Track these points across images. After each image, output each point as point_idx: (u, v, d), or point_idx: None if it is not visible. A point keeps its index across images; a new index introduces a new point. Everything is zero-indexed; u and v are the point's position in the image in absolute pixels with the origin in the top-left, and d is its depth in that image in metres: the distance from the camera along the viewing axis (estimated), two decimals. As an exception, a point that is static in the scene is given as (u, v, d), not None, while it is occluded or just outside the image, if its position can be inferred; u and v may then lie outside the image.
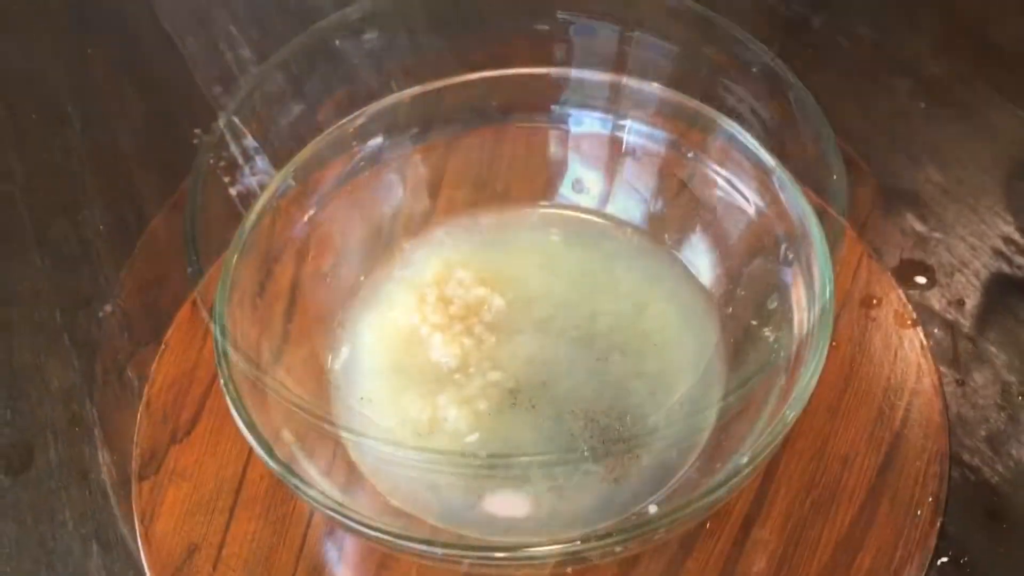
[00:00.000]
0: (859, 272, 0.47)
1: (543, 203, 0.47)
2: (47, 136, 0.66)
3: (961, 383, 0.51)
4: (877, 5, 0.70)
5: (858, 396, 0.43)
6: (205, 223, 0.57)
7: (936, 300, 0.53)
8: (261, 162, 0.63)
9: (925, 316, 0.51)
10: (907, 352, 0.44)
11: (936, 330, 0.52)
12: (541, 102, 0.43)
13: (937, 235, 0.56)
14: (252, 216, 0.40)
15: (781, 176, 0.39)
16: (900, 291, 0.46)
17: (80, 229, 0.60)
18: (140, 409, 0.45)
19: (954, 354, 0.52)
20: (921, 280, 0.55)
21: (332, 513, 0.32)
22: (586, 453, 0.39)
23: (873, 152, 0.60)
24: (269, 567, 0.40)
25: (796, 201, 0.38)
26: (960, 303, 0.53)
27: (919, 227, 0.56)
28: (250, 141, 0.64)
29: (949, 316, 0.53)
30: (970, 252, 0.55)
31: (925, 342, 0.45)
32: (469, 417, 0.40)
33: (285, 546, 0.40)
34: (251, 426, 0.34)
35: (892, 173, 0.59)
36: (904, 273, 0.54)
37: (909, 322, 0.45)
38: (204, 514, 0.41)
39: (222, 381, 0.35)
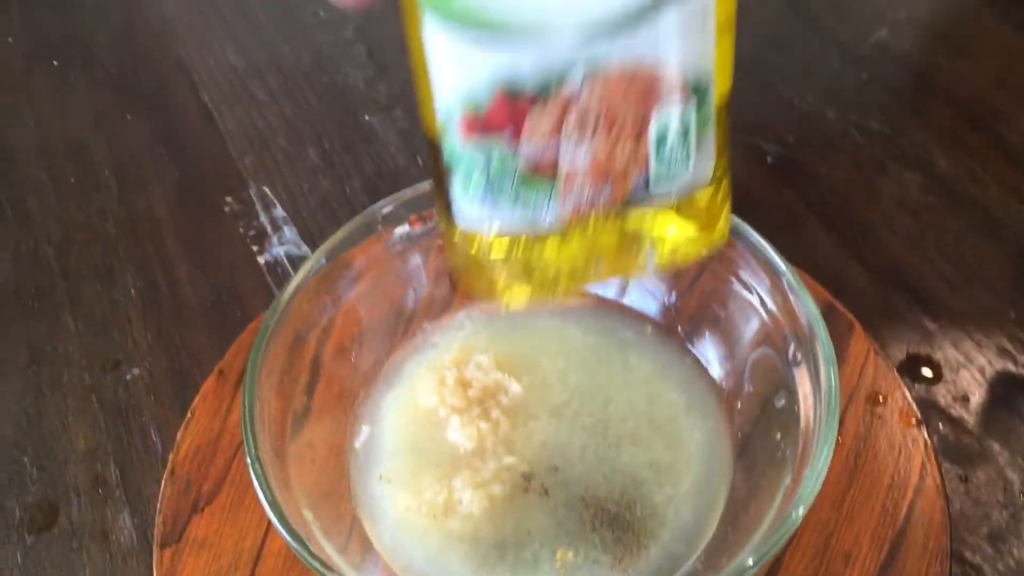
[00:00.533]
0: (866, 368, 0.48)
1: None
2: (84, 200, 0.68)
3: (964, 479, 0.52)
4: (889, 100, 0.72)
5: (863, 492, 0.44)
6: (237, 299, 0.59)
7: (941, 396, 0.55)
8: (290, 232, 0.66)
9: (930, 411, 0.52)
10: (911, 451, 0.45)
11: (941, 425, 0.53)
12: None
13: (943, 331, 0.57)
14: (286, 295, 0.41)
15: (791, 279, 0.40)
16: (905, 389, 0.47)
17: (112, 292, 0.62)
18: (164, 477, 0.46)
19: (958, 450, 0.53)
20: (927, 373, 0.56)
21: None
22: (596, 542, 0.41)
23: (882, 246, 0.62)
24: (283, 640, 0.41)
25: (805, 304, 0.39)
26: (965, 399, 0.54)
27: (926, 322, 0.58)
28: (279, 211, 0.67)
29: (954, 412, 0.54)
30: (976, 349, 0.56)
31: (929, 441, 0.46)
32: (483, 501, 0.41)
33: (300, 620, 0.42)
34: (276, 507, 0.35)
35: (900, 267, 0.61)
36: (911, 367, 0.56)
37: (914, 421, 0.46)
38: (222, 584, 0.43)
39: (248, 460, 0.36)
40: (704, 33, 0.27)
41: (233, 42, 0.80)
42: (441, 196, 0.30)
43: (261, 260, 0.63)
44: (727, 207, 0.33)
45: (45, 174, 0.70)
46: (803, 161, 0.67)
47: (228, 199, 0.67)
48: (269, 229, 0.65)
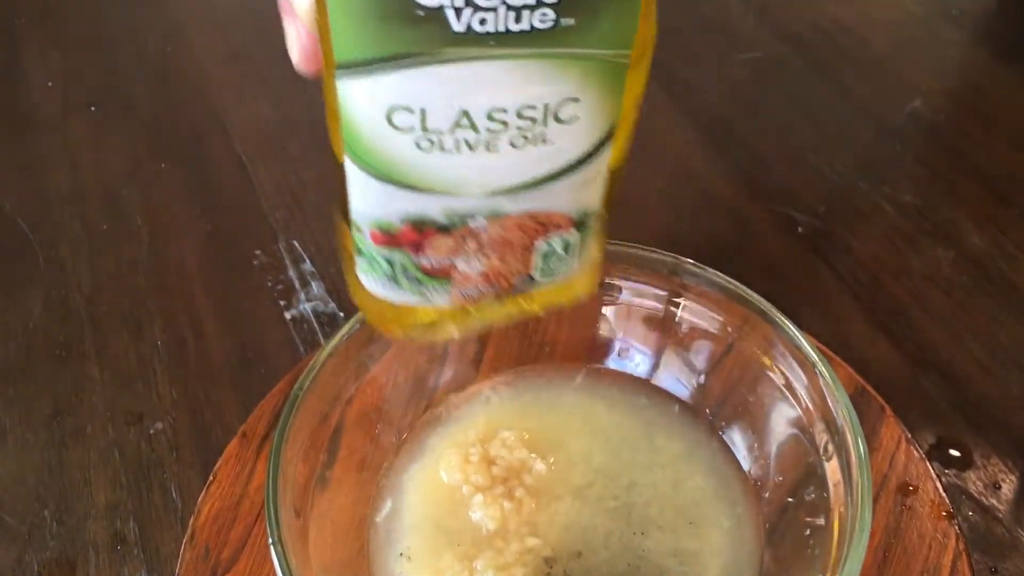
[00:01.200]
0: (896, 456, 0.47)
1: (589, 367, 0.48)
2: (115, 249, 0.69)
3: (994, 571, 0.51)
4: (922, 173, 0.72)
5: (892, 588, 0.43)
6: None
7: (972, 483, 0.54)
8: (317, 288, 0.66)
9: (960, 498, 0.51)
10: (942, 544, 0.44)
11: (970, 513, 0.52)
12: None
13: (974, 415, 0.56)
14: (319, 362, 0.41)
15: (824, 370, 0.40)
16: (936, 480, 0.47)
17: (139, 344, 0.62)
18: (184, 541, 0.46)
19: (988, 540, 0.52)
20: (957, 456, 0.55)
21: None
22: None
23: (913, 324, 0.61)
24: None
25: (838, 397, 0.39)
26: (996, 487, 0.53)
27: (957, 406, 0.57)
28: (308, 266, 0.67)
29: (984, 501, 0.53)
30: (1007, 435, 0.55)
31: (961, 535, 0.45)
32: None
33: None
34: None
35: (931, 347, 0.60)
36: (940, 452, 0.55)
37: (944, 514, 0.45)
38: (240, 658, 0.42)
39: (270, 541, 0.36)
40: (595, 184, 0.31)
41: (268, 94, 0.81)
42: (342, 219, 0.33)
43: (288, 315, 0.63)
44: (598, 270, 0.36)
45: (78, 222, 0.71)
46: (834, 232, 0.67)
47: (257, 252, 0.68)
48: (297, 284, 0.65)
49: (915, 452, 0.48)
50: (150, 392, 0.60)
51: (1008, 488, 0.53)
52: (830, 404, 0.40)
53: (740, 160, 0.73)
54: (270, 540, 0.36)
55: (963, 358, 0.59)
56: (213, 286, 0.66)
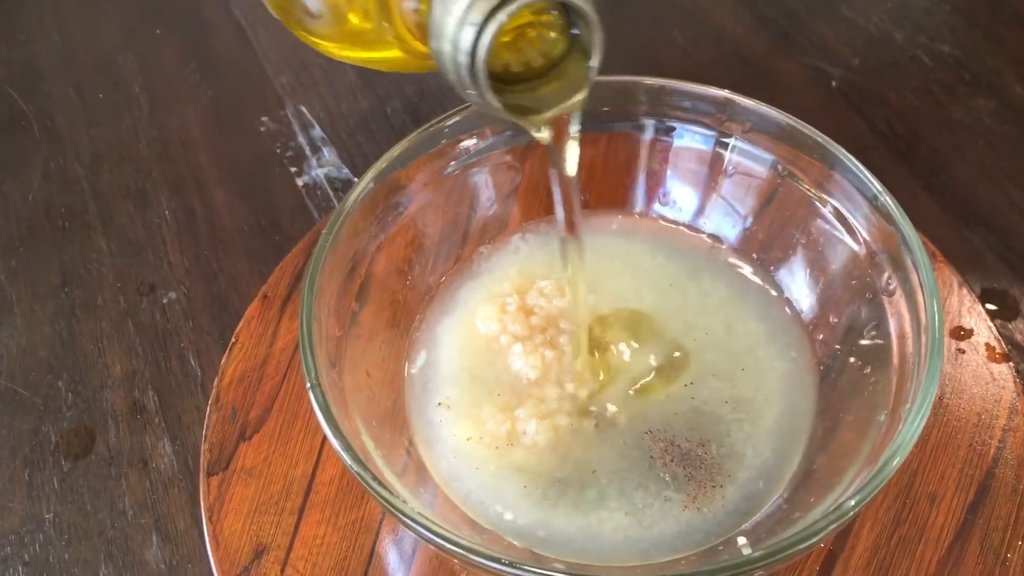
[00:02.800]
0: (949, 301, 0.45)
1: (626, 213, 0.46)
2: (114, 119, 0.65)
3: (1044, 420, 0.49)
4: (960, 23, 0.68)
5: (947, 432, 0.41)
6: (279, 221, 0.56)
7: (1019, 332, 0.52)
8: (329, 154, 0.63)
9: (1008, 348, 0.49)
10: (999, 388, 0.42)
11: (1019, 363, 0.51)
12: (639, 111, 0.42)
13: (1020, 264, 0.54)
14: (346, 209, 0.38)
15: (886, 202, 0.37)
16: (991, 324, 0.45)
17: (145, 214, 0.59)
18: (209, 404, 0.44)
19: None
20: (1004, 307, 0.53)
21: (415, 525, 0.31)
22: (668, 479, 0.38)
23: (954, 176, 0.58)
24: (338, 574, 0.39)
25: (902, 228, 0.36)
26: (1044, 336, 0.52)
27: (1002, 255, 0.55)
28: (318, 132, 0.64)
29: (1033, 349, 0.51)
30: (1056, 284, 0.53)
31: (1017, 377, 0.43)
32: (548, 432, 0.39)
33: (354, 554, 0.40)
34: (339, 434, 0.33)
35: (974, 198, 0.57)
36: (984, 301, 0.53)
37: (1000, 355, 0.44)
38: (273, 514, 0.41)
39: (308, 386, 0.34)
40: None
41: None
42: None
43: (300, 182, 0.60)
44: None
45: (73, 91, 0.67)
46: (869, 86, 0.64)
47: (264, 118, 0.64)
48: (308, 150, 0.62)
49: (967, 296, 0.46)
50: (161, 262, 0.57)
51: (1056, 338, 0.51)
52: (892, 235, 0.37)
53: (771, 14, 0.69)
54: (308, 384, 0.34)
55: (1007, 209, 0.57)
56: (219, 154, 0.63)
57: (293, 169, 0.61)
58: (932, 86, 0.64)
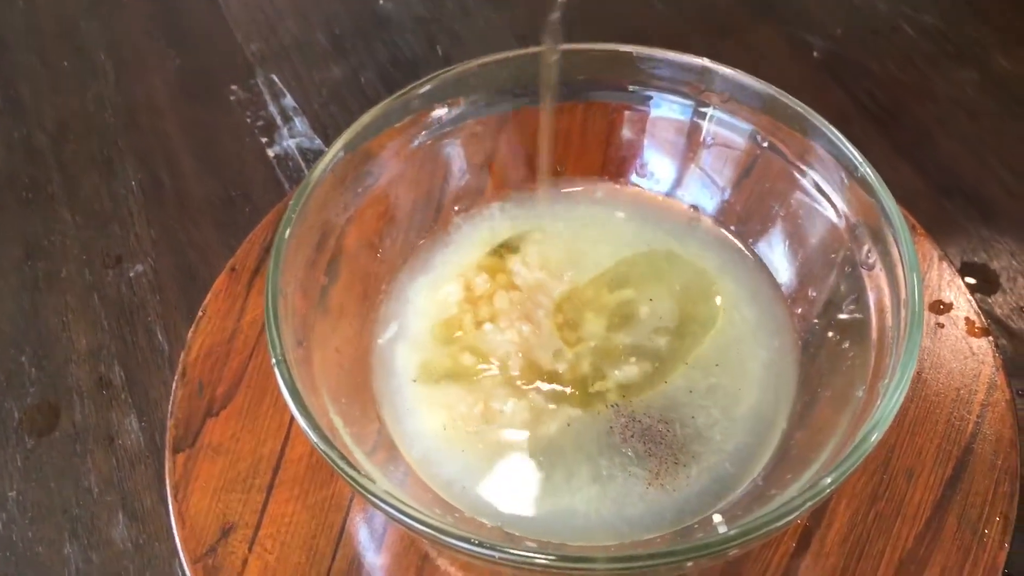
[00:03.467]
0: (929, 275, 0.45)
1: (604, 183, 0.45)
2: (79, 87, 0.63)
3: (1022, 394, 0.49)
4: (944, -7, 0.67)
5: (925, 407, 0.41)
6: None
7: (999, 306, 0.51)
8: (300, 124, 0.61)
9: (987, 323, 0.49)
10: (978, 363, 0.42)
11: (999, 338, 0.50)
12: (617, 80, 0.41)
13: (1001, 238, 0.54)
14: (313, 180, 0.37)
15: (867, 174, 0.36)
16: (971, 298, 0.44)
17: (111, 185, 0.58)
18: (176, 379, 0.43)
19: (1015, 364, 0.50)
20: (983, 282, 0.53)
21: (383, 505, 0.30)
22: (629, 454, 0.37)
23: (937, 149, 0.58)
24: (307, 553, 0.38)
25: (883, 200, 0.36)
26: (1023, 310, 0.51)
27: (983, 229, 0.54)
28: (289, 101, 0.62)
29: (1012, 324, 0.51)
30: (1037, 258, 0.53)
31: (996, 351, 0.43)
32: (521, 411, 0.38)
33: (324, 532, 0.39)
34: (305, 412, 0.32)
35: (956, 172, 0.57)
36: (963, 275, 0.52)
37: (979, 330, 0.43)
38: (240, 492, 0.40)
39: (274, 362, 0.33)
40: None
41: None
42: None
43: (271, 153, 0.59)
44: None
45: (36, 58, 0.65)
46: (852, 56, 0.63)
47: (234, 87, 0.63)
48: (279, 119, 0.61)
49: (948, 269, 0.45)
50: (127, 234, 0.56)
51: (1035, 312, 0.51)
52: (872, 207, 0.36)
53: (750, -18, 0.68)
54: (273, 360, 0.33)
55: (989, 182, 0.56)
56: (188, 123, 0.61)
57: (264, 139, 0.60)
58: (915, 57, 0.63)
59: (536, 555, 0.29)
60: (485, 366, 0.40)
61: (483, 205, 0.46)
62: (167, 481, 0.41)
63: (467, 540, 0.29)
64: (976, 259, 0.53)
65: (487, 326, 0.41)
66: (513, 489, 0.38)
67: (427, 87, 0.40)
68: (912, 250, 0.34)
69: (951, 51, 0.63)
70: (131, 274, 0.54)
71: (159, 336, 0.51)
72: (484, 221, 0.45)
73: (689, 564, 0.30)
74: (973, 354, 0.42)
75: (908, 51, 0.63)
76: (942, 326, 0.44)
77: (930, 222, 0.51)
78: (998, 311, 0.51)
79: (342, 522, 0.39)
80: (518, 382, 0.39)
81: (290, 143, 0.59)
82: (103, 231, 0.56)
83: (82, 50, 0.66)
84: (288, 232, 0.36)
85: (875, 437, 0.31)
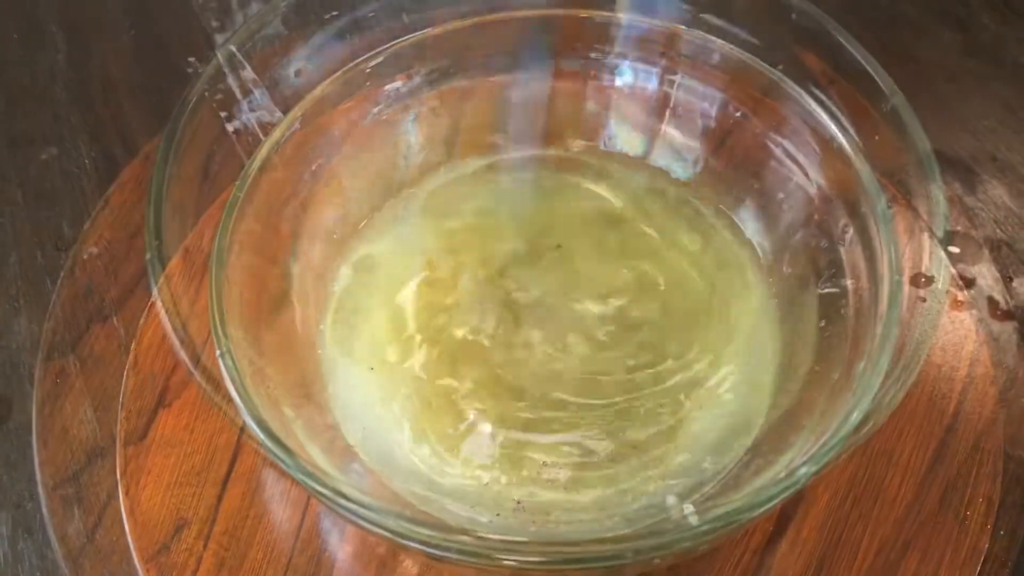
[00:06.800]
0: (910, 246, 0.43)
1: (567, 150, 0.43)
2: (28, 59, 0.61)
3: (1006, 369, 0.48)
4: (927, -50, 0.65)
5: (905, 385, 0.39)
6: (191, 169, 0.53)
7: (981, 277, 0.50)
8: (261, 97, 0.58)
9: (971, 293, 0.48)
10: (960, 337, 0.41)
11: (981, 311, 0.49)
12: (580, 48, 0.39)
13: (983, 208, 0.52)
14: (256, 163, 0.35)
15: (844, 145, 0.35)
16: (954, 270, 0.43)
17: (63, 163, 0.56)
18: (126, 369, 0.41)
19: (999, 336, 0.48)
20: (957, 249, 0.51)
21: (335, 505, 0.29)
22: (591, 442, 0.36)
23: (917, 114, 0.56)
24: (265, 549, 0.37)
25: (862, 174, 0.34)
26: (1008, 281, 0.50)
27: (965, 198, 0.52)
28: (249, 73, 0.60)
29: (996, 295, 0.49)
30: (1021, 227, 0.51)
31: (979, 327, 0.41)
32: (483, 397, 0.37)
33: (282, 527, 0.37)
34: (250, 404, 0.30)
35: (937, 138, 0.55)
36: (946, 246, 0.51)
37: (962, 303, 0.42)
38: (195, 486, 0.38)
39: (218, 353, 0.31)
40: None
41: None
42: None
43: (230, 127, 0.57)
44: None
45: (-17, 30, 0.63)
46: (830, 17, 0.61)
47: (191, 59, 0.60)
48: (238, 92, 0.58)
49: (929, 240, 0.43)
50: (81, 215, 0.53)
51: (1022, 282, 0.49)
52: (851, 181, 0.35)
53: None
54: (218, 352, 0.31)
55: (972, 149, 0.55)
56: (143, 98, 0.59)
57: (223, 113, 0.57)
58: (897, 18, 0.61)
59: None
60: (441, 348, 0.38)
61: (445, 176, 0.44)
62: (118, 476, 0.39)
63: (429, 543, 0.28)
64: (959, 228, 0.52)
65: (447, 306, 0.39)
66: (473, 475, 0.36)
67: (380, 58, 0.38)
68: (889, 221, 0.33)
69: (935, 10, 0.61)
70: (85, 257, 0.51)
71: (115, 322, 0.49)
72: (438, 196, 0.43)
73: (657, 561, 0.28)
74: (955, 328, 0.41)
75: (890, 12, 0.61)
76: (924, 300, 0.42)
77: (911, 191, 0.49)
78: (981, 282, 0.49)
79: (301, 516, 0.38)
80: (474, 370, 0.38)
81: (250, 117, 0.57)
82: (55, 212, 0.53)
83: (32, 21, 0.63)
84: (232, 217, 0.35)
85: (855, 417, 0.29)
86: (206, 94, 0.40)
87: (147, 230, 0.31)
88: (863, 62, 0.34)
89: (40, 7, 0.64)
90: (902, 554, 0.36)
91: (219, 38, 0.61)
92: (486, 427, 0.36)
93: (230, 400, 0.29)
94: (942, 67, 0.58)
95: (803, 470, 0.28)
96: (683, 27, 0.37)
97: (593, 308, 0.39)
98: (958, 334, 0.41)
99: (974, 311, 0.41)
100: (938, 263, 0.43)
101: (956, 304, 0.42)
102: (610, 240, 0.40)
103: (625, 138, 0.42)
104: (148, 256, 0.30)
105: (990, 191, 0.53)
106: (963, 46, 0.59)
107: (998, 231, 0.51)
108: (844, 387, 0.32)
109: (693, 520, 0.32)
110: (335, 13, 0.59)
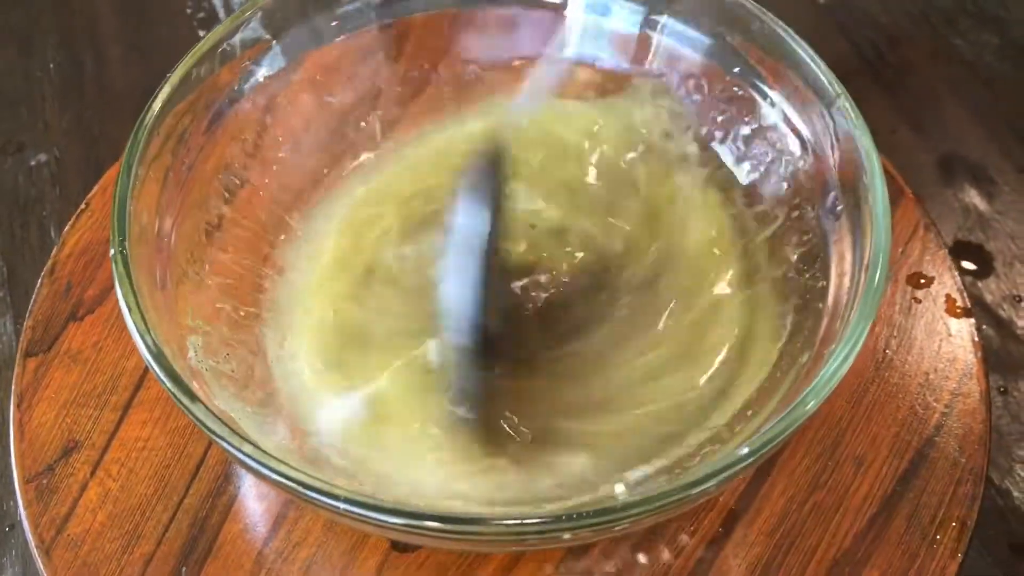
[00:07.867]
0: (912, 244, 0.39)
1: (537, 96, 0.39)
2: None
3: (1003, 391, 0.44)
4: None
5: (888, 389, 0.36)
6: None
7: (989, 292, 0.46)
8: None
9: (974, 308, 0.44)
10: (954, 346, 0.37)
11: (984, 326, 0.45)
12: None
13: (1002, 218, 0.48)
14: (191, 58, 0.32)
15: (844, 106, 0.31)
16: (956, 274, 0.39)
17: (27, 64, 0.52)
18: (42, 275, 0.38)
19: (1001, 357, 0.44)
20: (970, 266, 0.47)
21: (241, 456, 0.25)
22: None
23: (944, 113, 0.52)
24: (157, 484, 0.33)
25: (859, 140, 0.30)
26: (1016, 299, 0.46)
27: (983, 206, 0.48)
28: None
29: (1002, 312, 0.45)
30: (1034, 242, 0.47)
31: (977, 337, 0.37)
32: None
33: (180, 462, 0.34)
34: (137, 312, 0.27)
35: (960, 141, 0.51)
36: (957, 254, 0.47)
37: (960, 310, 0.38)
38: (93, 408, 0.35)
39: (112, 252, 0.28)
40: None
41: None
42: None
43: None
44: None
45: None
46: (861, 6, 0.57)
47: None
48: (222, 12, 0.55)
49: (934, 241, 0.40)
50: (36, 120, 0.50)
51: (1029, 302, 0.45)
52: (846, 148, 0.31)
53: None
54: (111, 252, 0.28)
55: (996, 156, 0.51)
56: (122, 6, 0.55)
57: (203, 32, 0.54)
58: (931, 14, 0.57)
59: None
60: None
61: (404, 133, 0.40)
62: (12, 388, 0.35)
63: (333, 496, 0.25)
64: (972, 238, 0.48)
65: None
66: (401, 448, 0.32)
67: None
68: (885, 204, 0.29)
69: (972, 10, 0.57)
70: (32, 163, 0.48)
71: (51, 233, 0.46)
72: (409, 144, 0.39)
73: (567, 536, 0.25)
74: (950, 336, 0.37)
75: (925, 6, 0.57)
76: (919, 301, 0.38)
77: (926, 191, 0.46)
78: (988, 297, 0.46)
79: (203, 453, 0.34)
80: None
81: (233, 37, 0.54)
82: (9, 113, 0.50)
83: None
84: (164, 111, 0.31)
85: (811, 406, 0.25)
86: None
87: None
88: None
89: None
90: (858, 571, 0.32)
91: None
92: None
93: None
94: (974, 69, 0.54)
95: (743, 450, 0.24)
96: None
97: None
98: (953, 343, 0.37)
99: (973, 321, 0.37)
100: (939, 264, 0.39)
101: (954, 310, 0.38)
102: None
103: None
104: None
105: (1009, 203, 0.49)
106: (998, 49, 0.55)
107: (1012, 245, 0.47)
108: (810, 372, 0.28)
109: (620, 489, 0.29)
110: None
